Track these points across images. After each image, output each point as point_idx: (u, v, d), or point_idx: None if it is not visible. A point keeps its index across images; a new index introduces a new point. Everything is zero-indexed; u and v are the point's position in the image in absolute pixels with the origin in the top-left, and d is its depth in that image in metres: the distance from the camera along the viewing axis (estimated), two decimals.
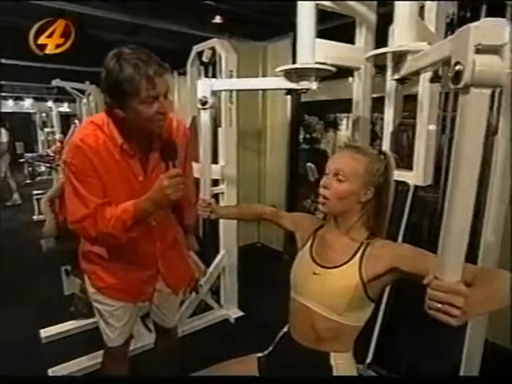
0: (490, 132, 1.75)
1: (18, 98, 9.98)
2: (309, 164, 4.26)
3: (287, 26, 3.43)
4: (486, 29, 0.55)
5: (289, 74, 1.17)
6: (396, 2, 0.89)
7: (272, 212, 1.43)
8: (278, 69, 1.15)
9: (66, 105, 9.43)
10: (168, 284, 1.44)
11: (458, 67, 0.54)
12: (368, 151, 1.10)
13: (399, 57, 0.84)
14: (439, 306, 0.68)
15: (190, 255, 1.61)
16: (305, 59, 1.10)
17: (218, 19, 3.44)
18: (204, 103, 1.41)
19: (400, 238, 1.17)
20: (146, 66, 1.06)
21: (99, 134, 1.18)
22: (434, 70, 0.90)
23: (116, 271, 1.34)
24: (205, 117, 1.39)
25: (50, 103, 8.71)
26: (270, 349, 1.28)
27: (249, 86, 1.38)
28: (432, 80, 0.88)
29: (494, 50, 0.55)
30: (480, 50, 0.54)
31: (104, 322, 1.40)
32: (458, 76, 0.54)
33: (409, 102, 1.80)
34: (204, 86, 1.37)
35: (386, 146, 1.57)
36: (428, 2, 1.05)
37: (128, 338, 1.47)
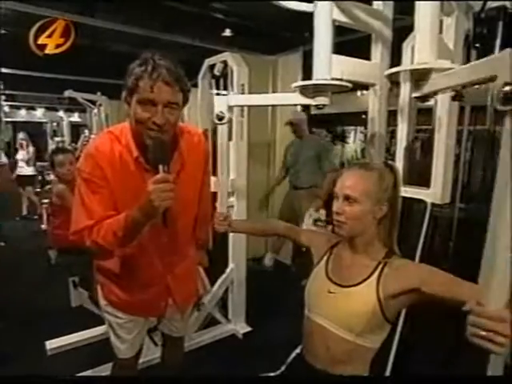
0: None
1: (30, 108, 10.17)
2: None
3: (297, 40, 3.47)
4: None
5: (304, 90, 1.17)
6: (416, 19, 0.88)
7: (286, 228, 1.41)
8: (294, 84, 1.15)
9: (76, 115, 9.57)
10: (175, 301, 1.38)
11: (507, 88, 0.53)
12: (376, 167, 1.08)
13: (421, 74, 0.82)
14: (483, 333, 0.65)
15: (198, 272, 1.59)
16: (321, 75, 1.10)
17: (227, 32, 3.48)
18: (221, 118, 1.41)
19: (417, 257, 1.14)
20: (154, 67, 1.04)
21: (116, 145, 1.16)
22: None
23: (127, 287, 1.31)
24: (222, 131, 1.37)
25: (61, 113, 8.87)
26: (282, 369, 1.24)
27: (265, 101, 1.36)
28: (454, 98, 0.86)
29: None
30: None
31: (114, 333, 1.38)
32: (508, 97, 0.53)
33: (422, 115, 1.79)
34: (221, 102, 1.37)
35: (399, 161, 1.55)
36: (447, 18, 1.04)
37: (138, 351, 1.45)
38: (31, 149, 6.30)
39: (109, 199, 1.14)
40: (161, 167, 1.02)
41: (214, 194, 2.67)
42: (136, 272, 1.29)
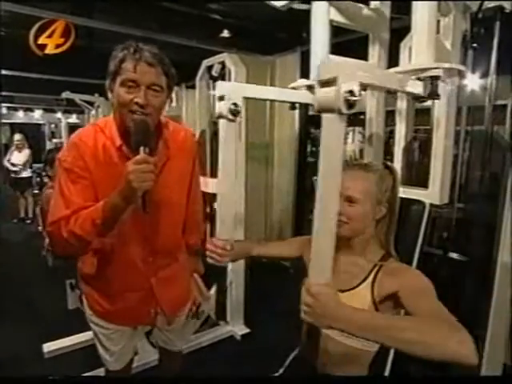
0: (506, 148, 1.73)
1: (28, 109, 10.15)
2: (316, 178, 4.25)
3: (295, 41, 3.46)
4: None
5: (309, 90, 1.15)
6: (413, 19, 0.88)
7: (263, 247, 1.33)
8: (291, 85, 1.14)
9: (74, 116, 9.53)
10: (162, 308, 1.31)
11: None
12: (375, 168, 1.08)
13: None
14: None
15: (194, 279, 1.50)
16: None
17: (225, 33, 3.47)
18: (235, 113, 1.07)
19: (415, 261, 1.14)
20: (136, 50, 1.05)
21: (100, 136, 1.15)
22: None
23: (109, 292, 1.26)
24: (229, 129, 1.09)
25: (59, 114, 8.84)
26: (281, 371, 1.23)
27: (282, 96, 1.22)
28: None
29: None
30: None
31: (101, 345, 1.32)
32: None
33: (420, 116, 1.78)
34: (232, 91, 1.07)
35: (397, 161, 1.54)
36: (444, 18, 1.04)
37: (128, 363, 1.38)
38: (27, 151, 6.26)
39: (89, 190, 1.10)
40: (142, 149, 1.00)
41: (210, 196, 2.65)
42: (117, 273, 1.23)
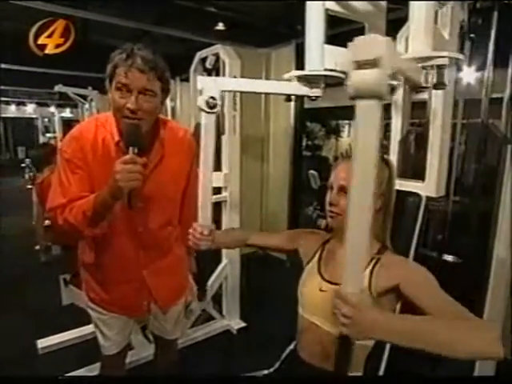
0: (502, 142, 1.72)
1: (20, 103, 10.02)
2: (311, 171, 4.23)
3: (290, 33, 3.43)
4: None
5: (299, 81, 1.13)
6: (411, 8, 0.85)
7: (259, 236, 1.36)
8: (286, 75, 1.12)
9: (68, 110, 9.44)
10: (155, 300, 1.35)
11: None
12: None
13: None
14: (335, 311, 0.72)
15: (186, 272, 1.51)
16: (313, 66, 1.06)
17: (220, 26, 3.43)
18: (212, 106, 1.12)
19: (412, 252, 1.13)
20: (129, 55, 1.07)
21: (101, 130, 1.19)
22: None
23: (103, 282, 1.31)
24: (209, 121, 1.14)
25: (52, 108, 8.73)
26: (276, 366, 1.22)
27: (261, 88, 1.24)
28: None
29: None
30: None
31: (98, 330, 1.38)
32: None
33: (416, 108, 1.77)
34: (210, 85, 1.11)
35: (393, 154, 1.53)
36: (442, 6, 1.02)
37: (123, 348, 1.42)
38: None
39: (86, 181, 1.16)
40: (131, 149, 1.04)
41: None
42: (110, 264, 1.28)
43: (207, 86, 1.11)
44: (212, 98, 1.11)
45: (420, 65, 0.82)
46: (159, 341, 1.54)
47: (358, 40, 0.60)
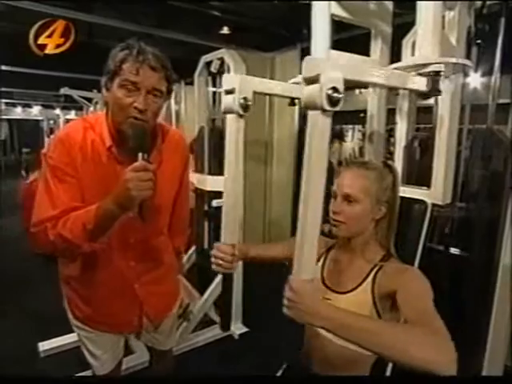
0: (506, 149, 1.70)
1: (26, 106, 10.10)
2: None
3: (295, 37, 3.44)
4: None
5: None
6: (418, 9, 0.84)
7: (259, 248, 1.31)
8: (292, 80, 1.11)
9: (73, 112, 9.50)
10: (147, 314, 1.26)
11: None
12: (375, 166, 1.05)
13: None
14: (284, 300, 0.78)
15: (180, 280, 1.46)
16: None
17: (225, 30, 3.45)
18: (246, 107, 1.00)
19: (417, 260, 1.11)
20: (139, 51, 1.01)
21: (89, 133, 1.09)
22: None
23: (93, 300, 1.20)
24: (239, 126, 1.02)
25: (57, 111, 8.77)
26: (281, 372, 1.21)
27: (291, 92, 1.17)
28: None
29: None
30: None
31: (85, 348, 1.27)
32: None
33: (421, 114, 1.75)
34: (244, 85, 0.99)
35: (398, 160, 1.51)
36: (449, 12, 1.01)
37: (116, 367, 1.33)
38: None
39: (76, 189, 1.05)
40: (140, 155, 0.96)
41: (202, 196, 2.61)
42: (98, 277, 1.17)
43: (240, 86, 1.00)
44: (244, 98, 1.00)
45: (425, 70, 0.81)
46: (153, 351, 1.48)
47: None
